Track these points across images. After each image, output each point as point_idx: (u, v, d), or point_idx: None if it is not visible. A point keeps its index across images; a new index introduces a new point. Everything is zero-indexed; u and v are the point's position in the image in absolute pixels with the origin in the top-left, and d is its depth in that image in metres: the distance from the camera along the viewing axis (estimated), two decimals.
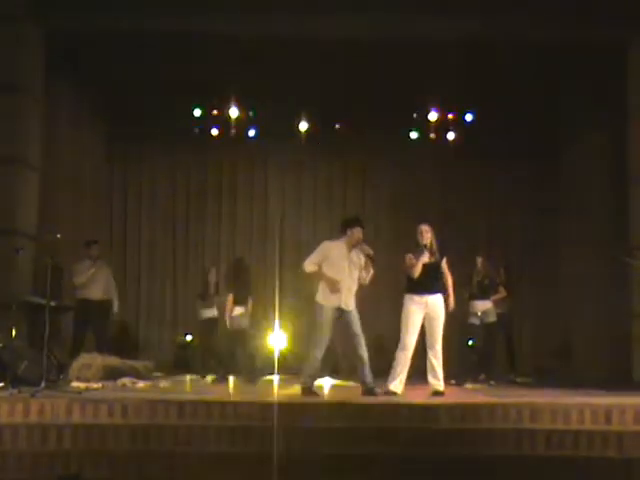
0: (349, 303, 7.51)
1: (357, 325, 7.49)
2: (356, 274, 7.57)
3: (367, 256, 7.50)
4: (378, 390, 7.38)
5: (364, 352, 7.45)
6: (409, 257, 7.64)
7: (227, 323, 9.85)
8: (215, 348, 10.94)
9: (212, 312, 10.81)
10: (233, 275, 10.15)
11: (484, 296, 10.13)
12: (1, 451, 5.79)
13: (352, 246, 7.54)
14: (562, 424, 6.20)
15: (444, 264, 7.72)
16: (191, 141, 12.72)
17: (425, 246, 7.59)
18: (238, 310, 9.87)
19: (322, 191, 13.34)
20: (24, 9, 9.07)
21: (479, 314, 10.06)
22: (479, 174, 12.98)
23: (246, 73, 10.49)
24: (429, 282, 7.60)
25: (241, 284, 9.99)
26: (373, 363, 7.55)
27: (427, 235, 7.64)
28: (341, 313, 7.48)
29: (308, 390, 7.38)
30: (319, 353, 7.47)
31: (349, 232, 7.55)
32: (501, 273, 10.79)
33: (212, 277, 10.88)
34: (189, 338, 11.13)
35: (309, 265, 7.54)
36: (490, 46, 9.81)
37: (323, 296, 7.50)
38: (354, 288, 7.57)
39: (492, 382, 9.80)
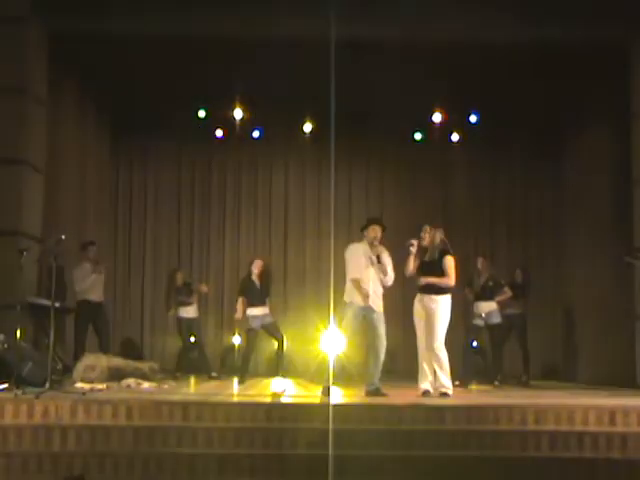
0: (375, 304, 7.56)
1: (382, 327, 7.54)
2: (379, 275, 7.62)
3: (376, 256, 7.54)
4: (384, 391, 7.43)
5: (382, 355, 7.51)
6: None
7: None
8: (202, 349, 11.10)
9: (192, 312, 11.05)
10: (247, 276, 10.04)
11: (489, 297, 10.11)
12: (5, 452, 5.80)
13: (370, 245, 7.62)
14: (566, 425, 6.20)
15: (445, 264, 7.68)
16: (196, 142, 12.72)
17: (412, 244, 7.65)
18: (255, 311, 9.83)
19: (326, 192, 13.32)
20: (28, 10, 9.06)
21: (483, 315, 10.04)
22: (482, 174, 12.98)
23: (250, 74, 10.50)
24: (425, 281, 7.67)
25: (254, 285, 9.90)
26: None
27: (424, 235, 7.77)
28: (367, 313, 7.52)
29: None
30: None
31: (365, 232, 7.69)
32: (517, 274, 10.80)
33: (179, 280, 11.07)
34: (193, 339, 11.12)
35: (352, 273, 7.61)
36: (492, 46, 9.79)
37: (349, 295, 7.57)
38: (379, 290, 7.61)
39: (497, 383, 9.78)
